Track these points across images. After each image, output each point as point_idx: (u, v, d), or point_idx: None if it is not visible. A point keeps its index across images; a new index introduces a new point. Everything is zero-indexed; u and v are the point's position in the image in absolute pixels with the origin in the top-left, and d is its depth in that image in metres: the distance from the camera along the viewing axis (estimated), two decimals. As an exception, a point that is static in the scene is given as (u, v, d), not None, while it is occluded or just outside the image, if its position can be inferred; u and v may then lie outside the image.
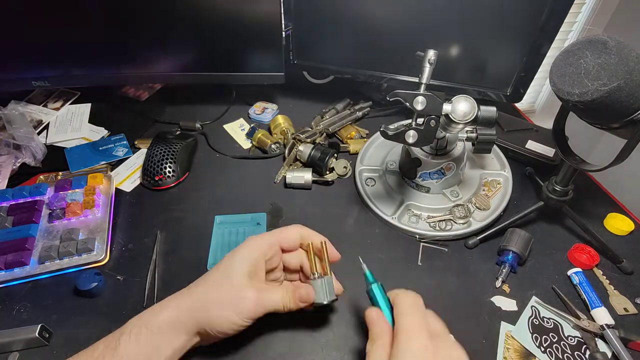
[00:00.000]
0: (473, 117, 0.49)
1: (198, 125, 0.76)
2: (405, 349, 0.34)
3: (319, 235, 0.47)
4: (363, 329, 0.48)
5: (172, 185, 0.65)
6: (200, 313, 0.40)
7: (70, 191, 0.61)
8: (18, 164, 0.67)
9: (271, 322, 0.48)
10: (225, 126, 0.78)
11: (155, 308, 0.41)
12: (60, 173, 0.68)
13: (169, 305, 0.41)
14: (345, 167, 0.67)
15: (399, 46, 0.69)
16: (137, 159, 0.71)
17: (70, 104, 0.80)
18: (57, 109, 0.79)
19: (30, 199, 0.60)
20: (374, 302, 0.42)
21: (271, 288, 0.43)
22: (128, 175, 0.68)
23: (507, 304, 0.51)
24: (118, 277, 0.53)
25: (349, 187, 0.66)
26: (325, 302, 0.43)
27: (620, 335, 0.46)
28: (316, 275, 0.44)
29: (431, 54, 0.49)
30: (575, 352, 0.47)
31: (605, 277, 0.54)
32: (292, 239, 0.45)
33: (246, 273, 0.41)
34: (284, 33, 0.70)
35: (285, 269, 0.47)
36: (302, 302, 0.42)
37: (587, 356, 0.46)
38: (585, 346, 0.47)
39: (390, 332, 0.38)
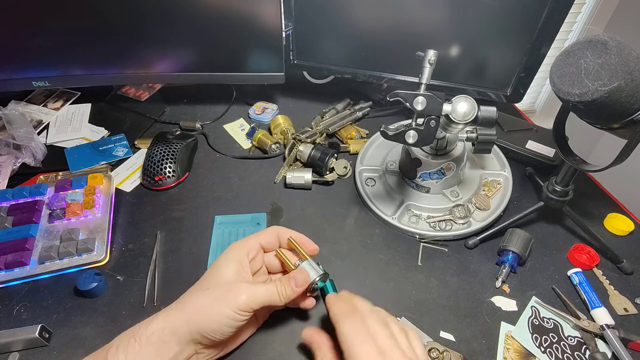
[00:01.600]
0: (473, 117, 0.49)
1: (198, 125, 0.76)
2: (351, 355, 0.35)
3: (295, 232, 0.47)
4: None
5: (172, 185, 0.65)
6: (192, 317, 0.39)
7: (70, 191, 0.61)
8: (18, 164, 0.67)
9: (271, 322, 0.49)
10: (225, 126, 0.78)
11: (145, 321, 0.40)
12: (60, 173, 0.68)
13: (158, 316, 0.40)
14: (345, 167, 0.67)
15: (399, 46, 0.69)
16: (137, 159, 0.71)
17: (70, 104, 0.80)
18: (57, 109, 0.79)
19: (30, 199, 0.60)
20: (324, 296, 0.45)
21: (262, 283, 0.42)
22: (128, 175, 0.68)
23: (507, 304, 0.51)
24: (118, 277, 0.53)
25: (349, 187, 0.66)
26: (318, 278, 0.43)
27: (620, 336, 0.46)
28: (300, 262, 0.45)
29: (431, 54, 0.49)
30: (575, 352, 0.47)
31: (605, 277, 0.54)
32: (270, 236, 0.46)
33: (233, 272, 0.41)
34: (284, 33, 0.70)
35: (269, 272, 0.48)
36: (299, 286, 0.42)
37: (587, 356, 0.46)
38: (585, 346, 0.47)
39: (328, 341, 0.41)
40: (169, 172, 0.64)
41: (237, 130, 0.78)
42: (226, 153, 0.72)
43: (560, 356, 0.46)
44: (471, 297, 0.52)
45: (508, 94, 0.69)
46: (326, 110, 0.78)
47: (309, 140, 0.69)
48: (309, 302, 0.46)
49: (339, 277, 0.53)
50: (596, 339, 0.48)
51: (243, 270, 0.42)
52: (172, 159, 0.65)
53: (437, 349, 0.45)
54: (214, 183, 0.67)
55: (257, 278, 0.46)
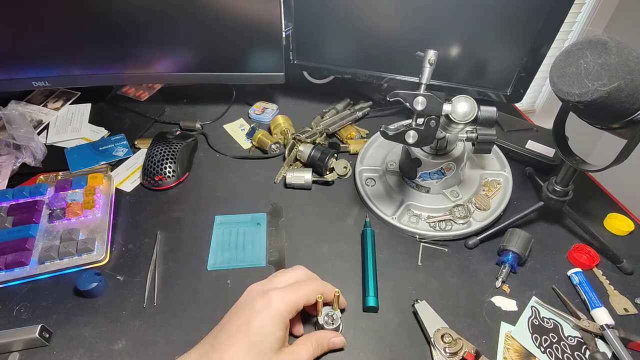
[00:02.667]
0: (473, 117, 0.49)
1: (198, 125, 0.76)
2: None
3: (332, 292, 0.46)
4: (361, 329, 0.48)
5: (172, 185, 0.65)
6: None
7: (70, 191, 0.61)
8: (18, 164, 0.67)
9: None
10: (225, 126, 0.78)
11: None
12: (60, 173, 0.68)
13: None
14: (345, 167, 0.67)
15: (399, 46, 0.69)
16: (137, 159, 0.71)
17: (70, 104, 0.80)
18: (57, 109, 0.79)
19: (31, 199, 0.60)
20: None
21: (298, 346, 0.42)
22: (128, 176, 0.68)
23: (507, 304, 0.51)
24: (118, 277, 0.53)
25: (349, 187, 0.66)
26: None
27: (620, 336, 0.46)
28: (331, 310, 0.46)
29: (431, 54, 0.49)
30: (575, 352, 0.47)
31: (605, 277, 0.54)
32: (313, 300, 0.44)
33: (281, 341, 0.40)
34: (284, 33, 0.70)
35: None
36: (339, 346, 0.46)
37: (587, 356, 0.46)
38: (585, 346, 0.47)
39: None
40: (169, 172, 0.64)
41: (237, 130, 0.78)
42: (226, 153, 0.72)
43: (560, 356, 0.46)
44: (471, 297, 0.52)
45: (508, 94, 0.69)
46: (326, 110, 0.78)
47: (309, 140, 0.69)
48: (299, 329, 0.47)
49: (339, 277, 0.53)
50: (596, 339, 0.48)
51: (286, 334, 0.42)
52: (172, 159, 0.65)
53: (451, 335, 0.45)
54: (214, 183, 0.67)
55: None
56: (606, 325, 0.47)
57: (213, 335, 0.41)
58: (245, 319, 0.40)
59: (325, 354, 0.45)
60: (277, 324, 0.39)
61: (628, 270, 0.54)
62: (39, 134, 0.74)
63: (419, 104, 0.47)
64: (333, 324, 0.46)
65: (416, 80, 0.50)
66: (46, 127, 0.76)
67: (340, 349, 0.46)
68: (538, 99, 1.74)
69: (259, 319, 0.39)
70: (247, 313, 0.40)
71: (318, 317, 0.46)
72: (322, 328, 0.46)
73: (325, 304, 0.46)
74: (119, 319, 0.49)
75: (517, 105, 0.84)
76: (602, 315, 0.48)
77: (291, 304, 0.41)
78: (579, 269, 0.54)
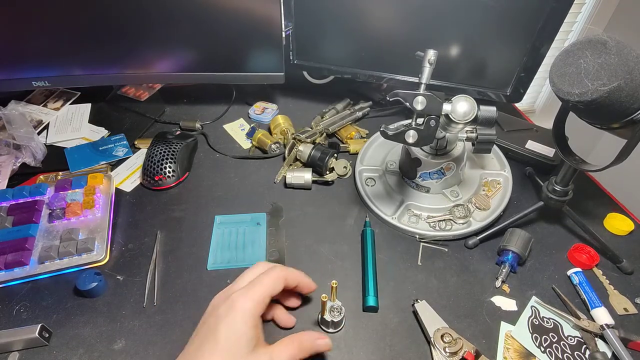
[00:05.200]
0: (473, 117, 0.49)
1: (198, 125, 0.76)
2: None
3: (297, 272, 0.46)
4: (361, 329, 0.48)
5: (172, 185, 0.65)
6: None
7: (70, 191, 0.61)
8: (18, 164, 0.67)
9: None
10: (225, 126, 0.78)
11: None
12: (60, 173, 0.68)
13: None
14: (345, 167, 0.67)
15: (399, 46, 0.69)
16: (137, 159, 0.71)
17: (70, 104, 0.80)
18: (57, 109, 0.79)
19: (30, 199, 0.60)
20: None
21: (278, 346, 0.40)
22: (128, 175, 0.68)
23: (507, 304, 0.51)
24: (118, 277, 0.53)
25: (349, 187, 0.66)
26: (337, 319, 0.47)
27: (620, 335, 0.46)
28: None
29: (431, 54, 0.49)
30: (575, 352, 0.47)
31: (605, 277, 0.54)
32: (279, 285, 0.43)
33: (254, 339, 0.38)
34: (284, 33, 0.71)
35: None
36: (324, 350, 0.43)
37: (587, 356, 0.46)
38: (585, 346, 0.47)
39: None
40: (169, 172, 0.64)
41: (237, 130, 0.78)
42: (226, 153, 0.72)
43: (560, 356, 0.46)
44: (471, 297, 0.52)
45: (508, 93, 0.69)
46: (326, 110, 0.78)
47: (309, 140, 0.69)
48: (294, 302, 0.48)
49: (339, 277, 0.53)
50: (596, 338, 0.48)
51: (259, 332, 0.40)
52: (172, 159, 0.65)
53: (451, 335, 0.45)
54: (214, 183, 0.67)
55: None
56: (606, 325, 0.47)
57: (183, 354, 0.39)
58: (211, 327, 0.38)
59: (310, 357, 0.42)
60: (246, 322, 0.38)
61: (628, 270, 0.54)
62: (39, 134, 0.74)
63: (419, 103, 0.47)
64: (340, 313, 0.46)
65: (416, 80, 0.50)
66: (46, 127, 0.76)
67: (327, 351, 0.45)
68: (538, 99, 1.74)
69: (225, 323, 0.38)
70: (212, 321, 0.39)
71: (324, 316, 0.46)
72: (329, 324, 0.46)
73: (290, 291, 0.46)
74: (119, 318, 0.49)
75: (517, 105, 0.84)
76: (602, 315, 0.48)
77: (256, 300, 0.40)
78: (579, 269, 0.54)
